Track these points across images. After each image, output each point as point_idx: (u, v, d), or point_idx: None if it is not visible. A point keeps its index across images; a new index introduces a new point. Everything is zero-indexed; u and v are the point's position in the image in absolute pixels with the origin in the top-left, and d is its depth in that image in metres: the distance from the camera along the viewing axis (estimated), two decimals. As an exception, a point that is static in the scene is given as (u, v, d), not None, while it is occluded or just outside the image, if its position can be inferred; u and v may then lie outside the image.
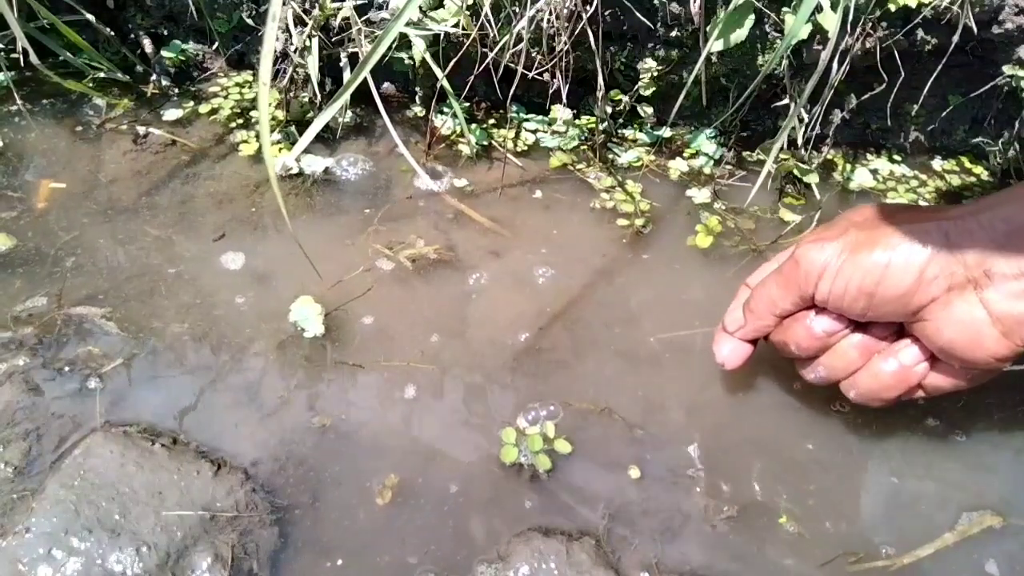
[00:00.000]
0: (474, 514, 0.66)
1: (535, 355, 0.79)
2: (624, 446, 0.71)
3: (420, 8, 0.94)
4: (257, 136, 1.03)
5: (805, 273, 0.63)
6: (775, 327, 0.68)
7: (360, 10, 0.95)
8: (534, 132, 1.05)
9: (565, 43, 0.91)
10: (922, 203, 0.97)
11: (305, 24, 0.94)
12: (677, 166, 1.01)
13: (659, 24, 0.93)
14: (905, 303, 0.59)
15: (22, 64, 0.93)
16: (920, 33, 0.89)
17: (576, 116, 1.05)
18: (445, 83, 0.95)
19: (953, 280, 0.57)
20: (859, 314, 0.62)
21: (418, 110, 1.09)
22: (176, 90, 1.11)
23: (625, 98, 1.02)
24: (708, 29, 0.86)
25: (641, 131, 1.06)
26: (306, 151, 0.94)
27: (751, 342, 0.71)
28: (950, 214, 0.58)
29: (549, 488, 0.68)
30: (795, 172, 0.97)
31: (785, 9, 0.85)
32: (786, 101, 0.93)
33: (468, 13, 0.91)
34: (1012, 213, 0.55)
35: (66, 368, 0.75)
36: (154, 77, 1.11)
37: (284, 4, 0.93)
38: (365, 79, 0.90)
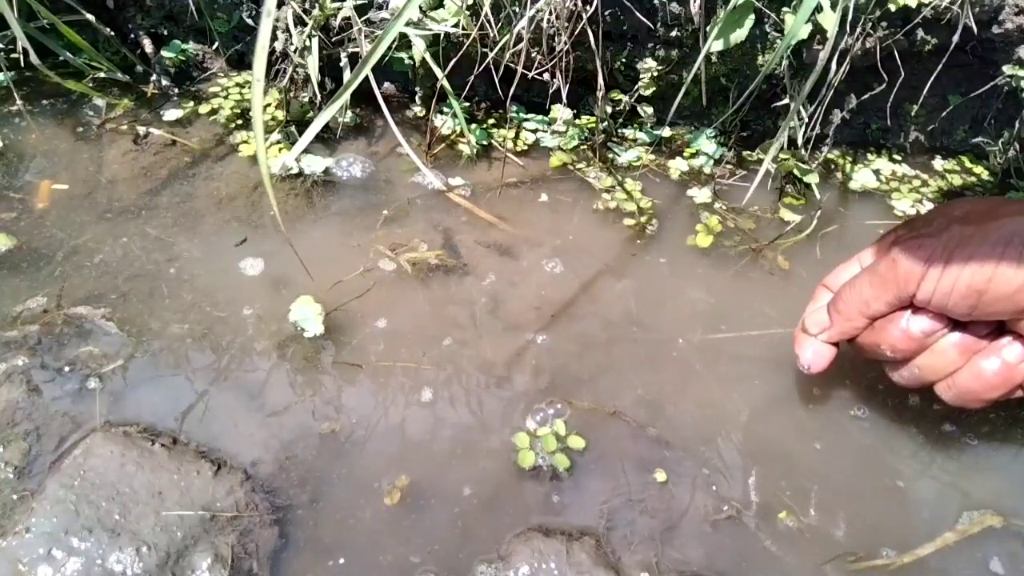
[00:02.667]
0: (488, 515, 0.66)
1: (539, 355, 0.79)
2: (630, 445, 0.71)
3: (420, 8, 0.94)
4: (255, 136, 1.03)
5: (906, 272, 0.60)
6: (865, 329, 0.65)
7: (360, 10, 0.95)
8: (534, 132, 1.05)
9: (565, 43, 0.91)
10: (925, 203, 0.97)
11: (305, 24, 0.94)
12: (677, 166, 1.01)
13: (659, 24, 0.93)
14: (1018, 299, 0.56)
15: (22, 64, 0.93)
16: (920, 33, 0.89)
17: (576, 116, 1.05)
18: (445, 83, 0.95)
19: None
20: (965, 313, 0.59)
21: (418, 110, 1.09)
22: (176, 90, 1.11)
23: (625, 98, 1.02)
24: (708, 29, 0.86)
25: (641, 131, 1.06)
26: (306, 151, 0.94)
27: (835, 344, 0.68)
28: None
29: (571, 487, 0.68)
30: (795, 172, 0.97)
31: (785, 9, 0.85)
32: (786, 101, 0.93)
33: (468, 13, 0.91)
34: None
35: (66, 368, 0.75)
36: (154, 77, 1.11)
37: (284, 4, 0.93)
38: (366, 79, 0.90)
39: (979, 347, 0.61)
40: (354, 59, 1.00)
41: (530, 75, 0.94)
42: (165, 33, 1.13)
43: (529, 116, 1.06)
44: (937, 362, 0.63)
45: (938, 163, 1.03)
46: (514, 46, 0.90)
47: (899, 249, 0.61)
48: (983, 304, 0.57)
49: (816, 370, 0.69)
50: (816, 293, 0.72)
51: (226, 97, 1.10)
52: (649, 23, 0.92)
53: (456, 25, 0.93)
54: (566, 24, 0.89)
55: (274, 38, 0.97)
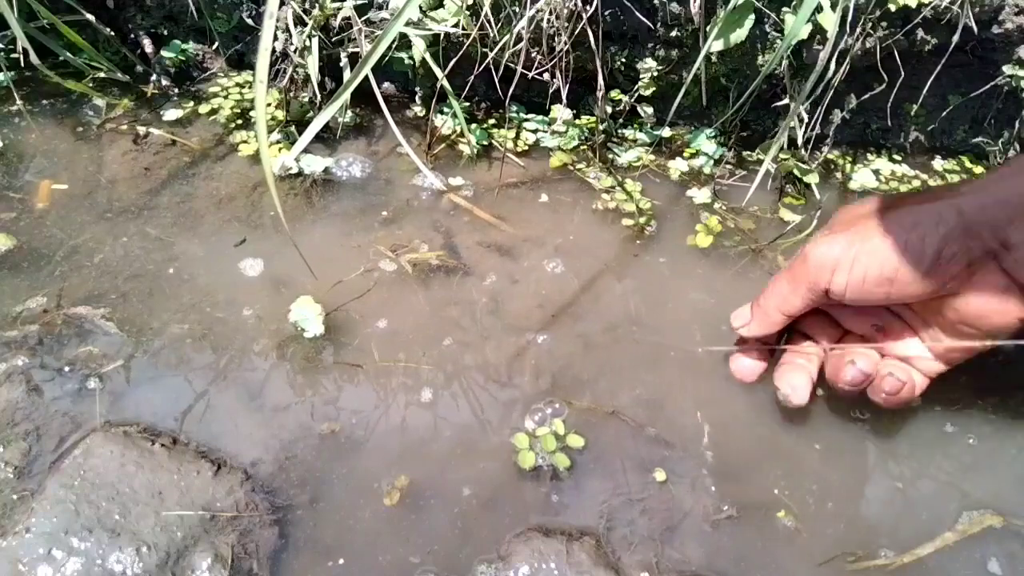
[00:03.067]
0: (488, 515, 0.66)
1: (539, 355, 0.79)
2: (630, 445, 0.71)
3: (420, 8, 0.94)
4: (257, 136, 1.03)
5: (817, 268, 0.63)
6: (781, 327, 0.69)
7: (360, 10, 0.95)
8: (534, 132, 1.05)
9: (565, 43, 0.91)
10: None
11: (305, 24, 0.94)
12: (677, 166, 1.01)
13: (659, 24, 0.93)
14: (925, 284, 0.59)
15: (22, 64, 0.93)
16: (920, 33, 0.89)
17: (576, 116, 1.05)
18: (445, 83, 0.95)
19: (972, 255, 0.57)
20: (881, 300, 0.62)
21: (418, 110, 1.09)
22: (176, 90, 1.11)
23: (625, 98, 1.02)
24: (708, 29, 0.86)
25: (641, 131, 1.06)
26: (306, 151, 0.94)
27: (763, 359, 0.72)
28: (961, 191, 0.59)
29: (570, 487, 0.68)
30: (795, 172, 0.97)
31: (785, 9, 0.85)
32: (786, 101, 0.93)
33: (468, 13, 0.91)
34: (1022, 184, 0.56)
35: (66, 368, 0.75)
36: (154, 77, 1.11)
37: (284, 4, 0.93)
38: (366, 79, 0.90)
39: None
40: (354, 59, 1.00)
41: (530, 75, 0.94)
42: (165, 33, 1.13)
43: (529, 116, 1.06)
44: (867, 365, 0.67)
45: (938, 163, 1.03)
46: (514, 46, 0.90)
47: (810, 246, 0.64)
48: (896, 291, 0.60)
49: (747, 381, 0.73)
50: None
51: (226, 97, 1.10)
52: (649, 23, 0.92)
53: (456, 25, 0.93)
54: (566, 24, 0.89)
55: (274, 38, 0.97)
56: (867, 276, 0.61)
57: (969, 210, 0.57)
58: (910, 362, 0.67)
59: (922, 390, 0.69)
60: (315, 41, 0.95)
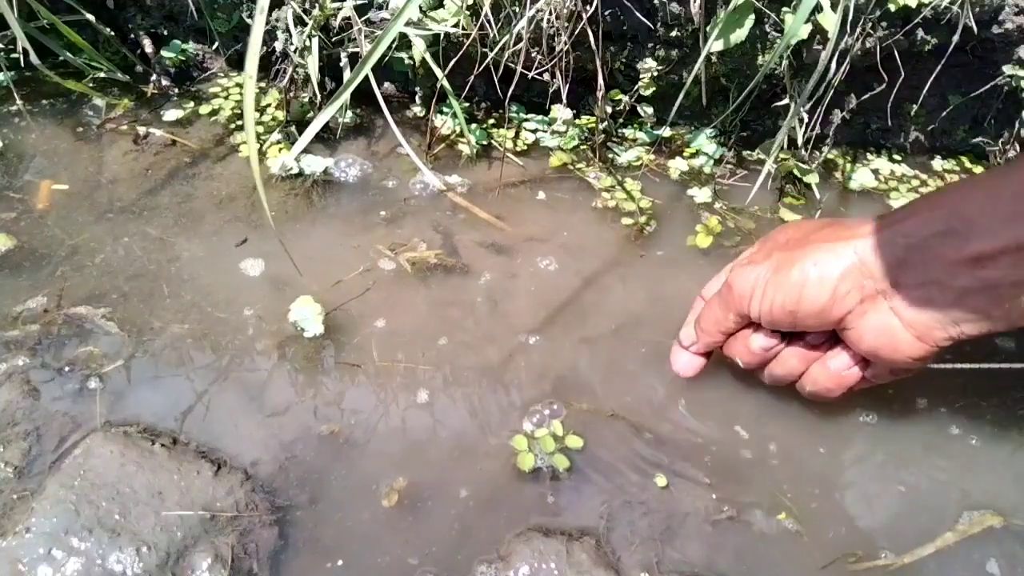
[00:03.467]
0: (488, 516, 0.66)
1: (538, 355, 0.79)
2: (629, 446, 0.71)
3: (420, 8, 0.94)
4: (257, 136, 1.03)
5: (738, 296, 0.67)
6: (724, 342, 0.72)
7: (360, 10, 0.95)
8: (534, 132, 1.05)
9: (565, 43, 0.91)
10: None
11: (305, 24, 0.94)
12: (677, 166, 1.01)
13: (659, 24, 0.93)
14: (824, 317, 0.63)
15: (22, 64, 0.93)
16: (920, 33, 0.89)
17: (576, 116, 1.05)
18: (445, 83, 0.95)
19: (864, 292, 0.61)
20: (788, 327, 0.66)
21: (418, 110, 1.09)
22: (176, 90, 1.11)
23: (625, 98, 1.02)
24: (708, 29, 0.86)
25: (641, 131, 1.06)
26: (306, 151, 0.94)
27: (705, 354, 0.75)
28: (860, 231, 0.62)
29: (570, 487, 0.68)
30: (795, 172, 0.98)
31: (785, 9, 0.85)
32: (786, 101, 0.93)
33: (468, 13, 0.91)
34: (912, 228, 0.59)
35: (66, 368, 0.75)
36: (154, 77, 1.11)
37: (284, 4, 0.93)
38: (366, 79, 0.90)
39: (815, 356, 0.68)
40: (354, 59, 1.00)
41: (530, 75, 0.94)
42: (165, 33, 1.13)
43: (529, 116, 1.06)
44: (782, 369, 0.70)
45: (938, 163, 1.03)
46: (514, 46, 0.90)
47: (733, 274, 0.69)
48: (799, 321, 0.64)
49: (687, 376, 0.75)
50: (693, 303, 0.77)
51: (226, 97, 1.10)
52: (649, 23, 0.92)
53: (456, 25, 0.93)
54: (566, 24, 0.89)
55: (274, 38, 0.97)
56: (774, 306, 0.64)
57: (863, 250, 0.60)
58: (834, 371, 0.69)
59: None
60: (315, 41, 0.95)
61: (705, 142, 1.03)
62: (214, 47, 1.13)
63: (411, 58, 0.98)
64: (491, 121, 1.07)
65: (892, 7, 0.85)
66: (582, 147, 1.03)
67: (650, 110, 1.03)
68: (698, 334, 0.73)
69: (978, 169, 1.01)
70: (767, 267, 0.65)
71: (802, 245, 0.64)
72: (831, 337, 0.68)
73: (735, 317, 0.69)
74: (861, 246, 0.61)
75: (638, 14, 0.92)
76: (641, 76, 0.99)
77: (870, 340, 0.62)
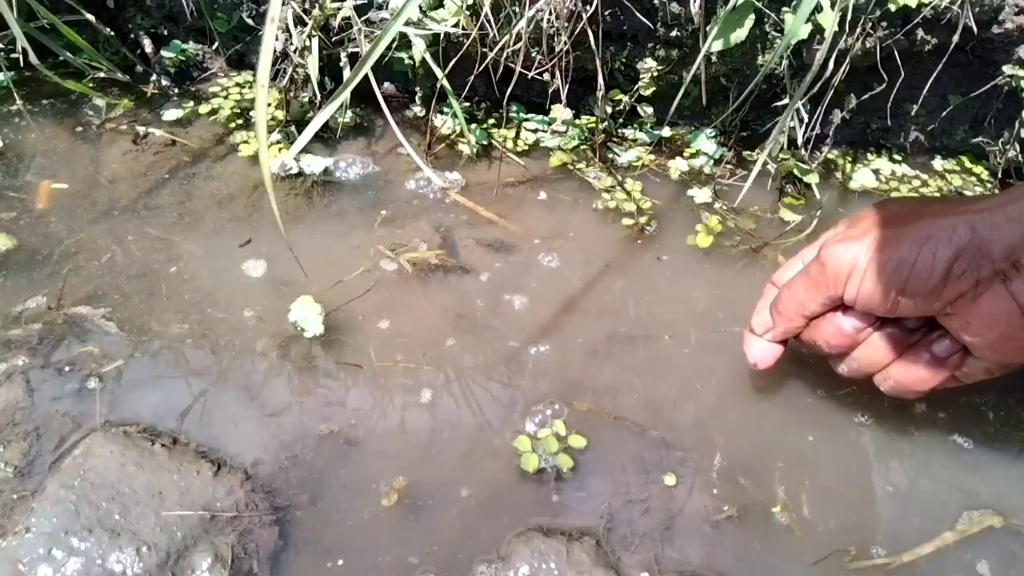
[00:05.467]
0: (488, 516, 0.66)
1: (539, 355, 0.79)
2: (630, 446, 0.71)
3: (420, 8, 0.94)
4: (258, 136, 1.03)
5: (833, 274, 0.62)
6: (804, 327, 0.68)
7: (360, 10, 0.95)
8: (534, 132, 1.05)
9: (565, 43, 0.91)
10: (922, 203, 0.97)
11: (305, 24, 0.94)
12: (677, 166, 1.01)
13: (659, 24, 0.93)
14: (932, 299, 0.58)
15: (22, 64, 0.93)
16: (920, 33, 0.89)
17: (576, 116, 1.05)
18: (445, 83, 0.95)
19: (981, 274, 0.56)
20: (887, 312, 0.62)
21: (418, 110, 1.09)
22: (176, 90, 1.11)
23: (625, 98, 1.02)
24: (708, 29, 0.86)
25: (641, 131, 1.06)
26: (305, 151, 0.94)
27: (781, 342, 0.71)
28: (976, 207, 0.58)
29: (570, 487, 0.68)
30: (795, 172, 0.97)
31: (785, 9, 0.85)
32: (786, 101, 0.93)
33: (468, 13, 0.91)
34: None
35: (66, 368, 0.75)
36: (154, 77, 1.11)
37: (284, 4, 0.93)
38: (367, 79, 0.90)
39: (910, 341, 0.64)
40: (354, 59, 1.00)
41: (530, 75, 0.94)
42: (165, 33, 1.13)
43: (529, 116, 1.06)
44: (871, 356, 0.65)
45: (938, 163, 1.03)
46: (514, 46, 0.90)
47: (827, 251, 0.63)
48: (901, 304, 0.60)
49: (763, 366, 0.71)
50: (764, 290, 0.74)
51: (226, 97, 1.10)
52: (649, 23, 0.92)
53: (456, 25, 0.93)
54: (566, 24, 0.89)
55: (275, 39, 0.97)
56: (877, 286, 0.60)
57: (982, 227, 0.56)
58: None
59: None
60: (315, 41, 0.95)
61: (705, 142, 1.03)
62: (214, 47, 1.13)
63: (411, 58, 0.98)
64: (491, 121, 1.07)
65: (892, 7, 0.85)
66: (582, 147, 1.03)
67: (650, 110, 1.03)
68: (776, 319, 0.69)
69: (978, 169, 1.01)
70: (867, 244, 0.60)
71: (910, 221, 0.59)
72: (925, 325, 0.63)
73: (823, 299, 0.64)
74: (980, 223, 0.56)
75: (638, 14, 0.92)
76: (641, 76, 0.99)
77: (980, 327, 0.57)
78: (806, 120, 0.94)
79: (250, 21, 1.07)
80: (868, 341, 0.65)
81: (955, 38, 0.85)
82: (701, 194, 0.97)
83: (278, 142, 1.01)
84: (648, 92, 1.00)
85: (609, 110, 1.02)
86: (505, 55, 0.91)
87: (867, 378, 0.68)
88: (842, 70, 0.88)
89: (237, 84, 1.12)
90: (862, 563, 0.64)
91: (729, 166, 1.01)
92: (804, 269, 0.67)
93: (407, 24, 0.93)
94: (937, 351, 0.63)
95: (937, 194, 0.98)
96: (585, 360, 0.78)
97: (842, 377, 0.70)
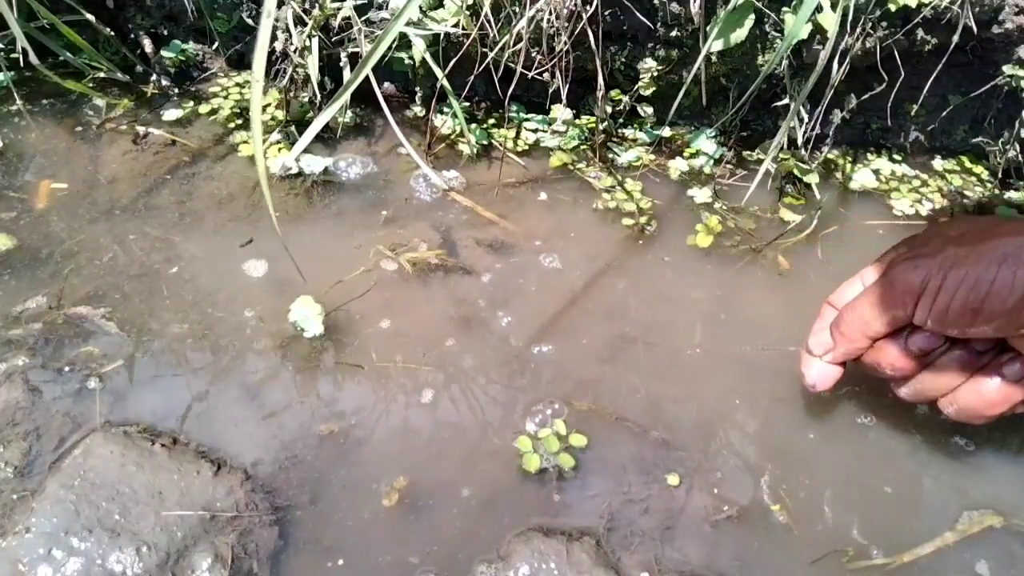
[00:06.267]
0: (488, 516, 0.66)
1: (539, 355, 0.79)
2: (631, 446, 0.71)
3: (420, 8, 0.94)
4: (253, 138, 1.03)
5: (902, 293, 0.61)
6: (867, 348, 0.66)
7: (360, 10, 0.95)
8: (534, 132, 1.05)
9: (565, 43, 0.91)
10: (925, 202, 0.97)
11: (305, 24, 0.94)
12: (677, 166, 1.01)
13: (659, 24, 0.93)
14: (1012, 319, 0.56)
15: (22, 64, 0.93)
16: (920, 33, 0.89)
17: (576, 116, 1.05)
18: (445, 83, 0.95)
19: None
20: (960, 332, 0.60)
21: (418, 110, 1.09)
22: (176, 90, 1.11)
23: (625, 98, 1.02)
24: (708, 29, 0.86)
25: (641, 131, 1.06)
26: (306, 151, 0.94)
27: (841, 363, 0.69)
28: None
29: (570, 487, 0.68)
30: (795, 172, 0.97)
31: (785, 9, 0.85)
32: (786, 101, 0.93)
33: (468, 13, 0.91)
34: None
35: (66, 368, 0.75)
36: (154, 77, 1.11)
37: (284, 4, 0.93)
38: (366, 79, 0.90)
39: (979, 364, 0.62)
40: (354, 59, 1.00)
41: (530, 75, 0.94)
42: (165, 33, 1.13)
43: (529, 116, 1.06)
44: (938, 379, 0.63)
45: (938, 163, 1.03)
46: (514, 46, 0.90)
47: (896, 270, 0.62)
48: (978, 324, 0.58)
49: (822, 389, 0.69)
50: (821, 311, 0.72)
51: (226, 97, 1.10)
52: (649, 23, 0.92)
53: (456, 25, 0.93)
54: (566, 24, 0.89)
55: (274, 38, 0.97)
56: (952, 306, 0.58)
57: None
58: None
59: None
60: (315, 41, 0.95)
61: (705, 142, 1.03)
62: (214, 47, 1.13)
63: (411, 58, 0.98)
64: (491, 121, 1.07)
65: (892, 7, 0.85)
66: (582, 147, 1.03)
67: (650, 110, 1.03)
68: (837, 340, 0.66)
69: (978, 169, 1.02)
70: (940, 262, 0.59)
71: (983, 240, 0.58)
72: (994, 347, 0.61)
73: (890, 319, 0.62)
74: None
75: (638, 14, 0.92)
76: (641, 76, 0.99)
77: None
78: (806, 120, 0.94)
79: (250, 21, 1.07)
80: (935, 364, 0.63)
81: (955, 38, 0.85)
82: (701, 194, 0.97)
83: (278, 142, 1.01)
84: (648, 92, 1.00)
85: (609, 110, 1.02)
86: (505, 55, 0.91)
87: (930, 402, 0.66)
88: (842, 70, 0.88)
89: (237, 84, 1.12)
90: (862, 563, 0.64)
91: (729, 166, 1.01)
92: (870, 288, 0.65)
93: (407, 24, 0.93)
94: (1008, 374, 0.60)
95: (937, 194, 0.98)
96: (585, 360, 0.78)
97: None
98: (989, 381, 0.61)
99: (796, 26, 0.78)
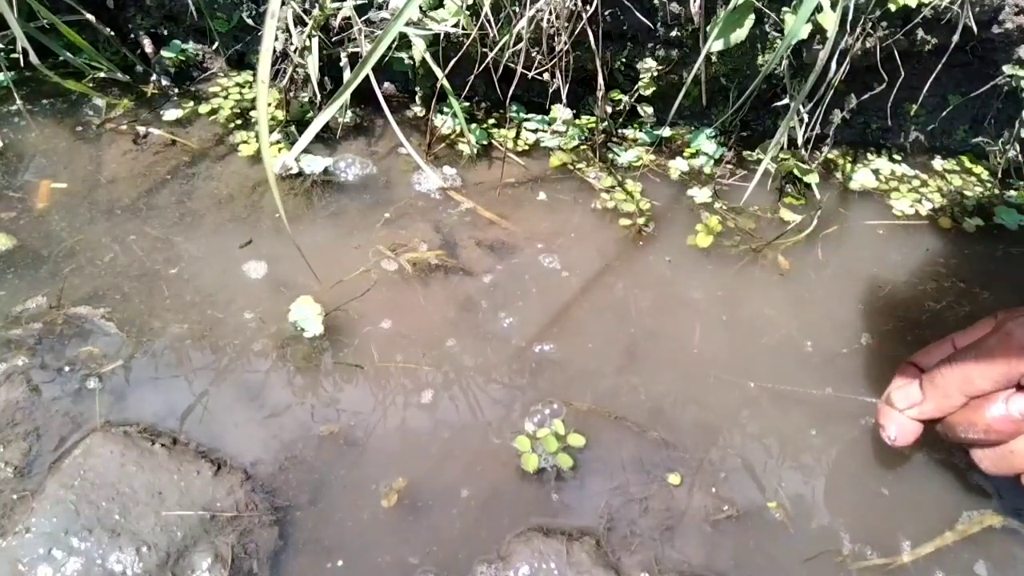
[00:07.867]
0: (488, 516, 0.66)
1: (539, 355, 0.79)
2: (630, 446, 0.71)
3: (420, 8, 0.94)
4: (257, 136, 1.03)
5: (1019, 348, 0.56)
6: (961, 407, 0.61)
7: (360, 10, 0.95)
8: (534, 132, 1.05)
9: (565, 43, 0.91)
10: (925, 202, 0.97)
11: (305, 24, 0.94)
12: (677, 166, 1.01)
13: (659, 24, 0.93)
14: None
15: (22, 64, 0.93)
16: (920, 33, 0.89)
17: (576, 116, 1.05)
18: (445, 83, 0.95)
19: None
20: None
21: (418, 110, 1.09)
22: (176, 90, 1.11)
23: (625, 98, 1.02)
24: (708, 29, 0.86)
25: (641, 131, 1.06)
26: (306, 151, 0.94)
27: (924, 420, 0.64)
28: None
29: (570, 487, 0.68)
30: (795, 172, 0.97)
31: (785, 9, 0.85)
32: (786, 101, 0.93)
33: (468, 13, 0.91)
34: None
35: (66, 368, 0.75)
36: (154, 77, 1.11)
37: (284, 4, 0.93)
38: (367, 79, 0.90)
39: None
40: (354, 59, 1.00)
41: (530, 75, 0.94)
42: (165, 33, 1.13)
43: (529, 116, 1.06)
44: None
45: (938, 163, 1.03)
46: (514, 46, 0.90)
47: (1015, 324, 0.57)
48: None
49: (902, 445, 0.65)
50: (902, 369, 0.68)
51: (226, 97, 1.10)
52: (649, 23, 0.92)
53: (456, 25, 0.93)
54: (566, 24, 0.89)
55: (274, 38, 0.97)
56: None
57: None
58: None
59: None
60: (315, 41, 0.95)
61: (705, 142, 1.03)
62: (214, 47, 1.13)
63: (411, 58, 0.98)
64: (491, 121, 1.07)
65: (892, 7, 0.85)
66: (582, 147, 1.03)
67: (650, 110, 1.03)
68: (929, 394, 0.62)
69: (978, 169, 1.02)
70: None
71: None
72: None
73: (998, 376, 0.57)
74: None
75: (638, 14, 0.92)
76: (641, 76, 0.99)
77: None
78: (806, 120, 0.94)
79: (250, 21, 1.07)
80: None
81: (955, 38, 0.85)
82: (701, 194, 0.97)
83: (278, 142, 1.01)
84: (648, 92, 1.00)
85: (609, 110, 1.02)
86: (505, 55, 0.91)
87: (1015, 474, 0.60)
88: (842, 70, 0.88)
89: (237, 84, 1.12)
90: (862, 563, 0.64)
91: (729, 166, 1.01)
92: (977, 343, 0.60)
93: (407, 24, 0.93)
94: None
95: (937, 194, 0.98)
96: (585, 360, 0.78)
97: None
98: None
99: (796, 26, 0.78)
